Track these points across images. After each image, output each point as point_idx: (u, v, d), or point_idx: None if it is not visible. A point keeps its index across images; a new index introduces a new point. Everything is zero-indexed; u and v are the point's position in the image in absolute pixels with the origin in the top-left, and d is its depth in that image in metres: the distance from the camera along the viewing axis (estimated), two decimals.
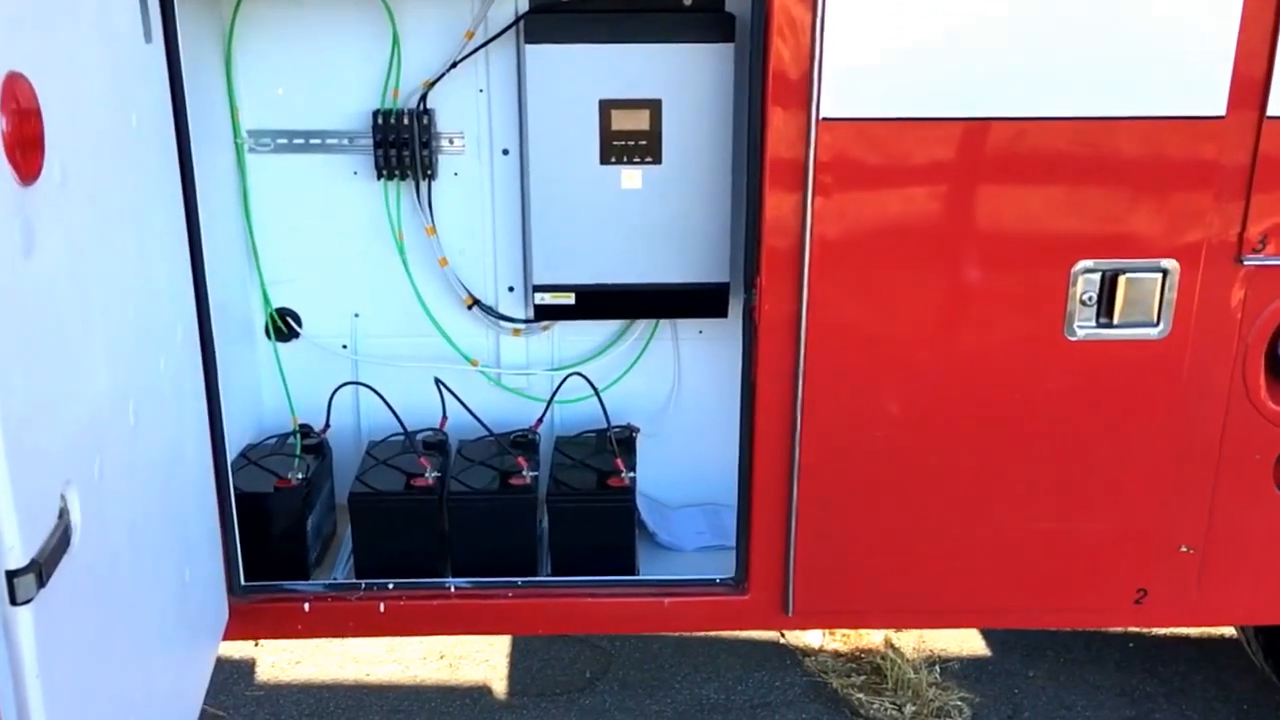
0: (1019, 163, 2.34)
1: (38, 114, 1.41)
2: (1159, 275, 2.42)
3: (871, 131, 2.32)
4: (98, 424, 1.65)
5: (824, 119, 2.30)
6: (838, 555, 2.63)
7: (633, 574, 2.82)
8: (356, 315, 3.03)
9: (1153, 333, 2.45)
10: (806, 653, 3.52)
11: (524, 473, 2.78)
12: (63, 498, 1.47)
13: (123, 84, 1.87)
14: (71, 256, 1.55)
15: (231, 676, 3.43)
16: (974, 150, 2.34)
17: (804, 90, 2.29)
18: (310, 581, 2.74)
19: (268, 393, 3.06)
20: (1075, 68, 2.29)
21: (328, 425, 2.98)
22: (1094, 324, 2.45)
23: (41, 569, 1.37)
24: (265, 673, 3.47)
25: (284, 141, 2.87)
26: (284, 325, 3.01)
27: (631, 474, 2.81)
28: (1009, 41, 2.27)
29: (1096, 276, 2.42)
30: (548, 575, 2.80)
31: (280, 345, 3.02)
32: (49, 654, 1.40)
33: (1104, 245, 2.40)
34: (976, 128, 2.32)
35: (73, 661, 1.51)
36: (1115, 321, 2.44)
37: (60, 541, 1.43)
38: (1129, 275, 2.41)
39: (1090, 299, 2.43)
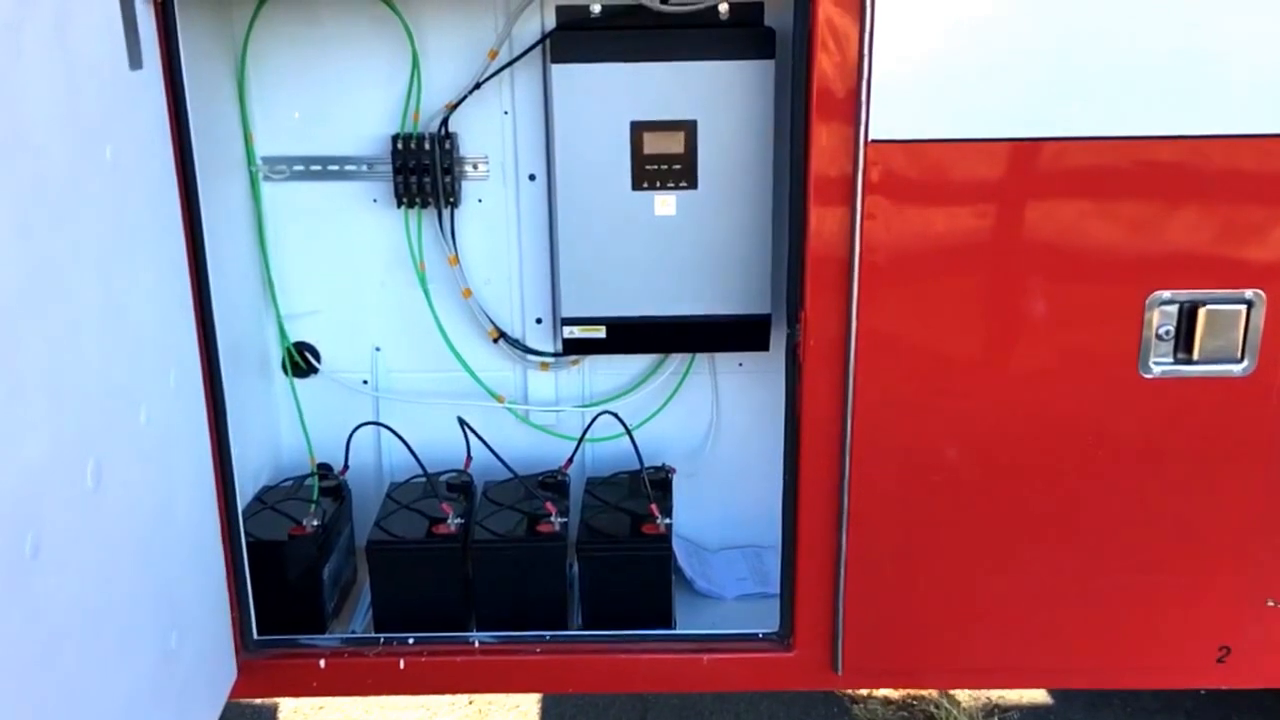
0: (1089, 186, 2.15)
1: None
2: (1243, 307, 2.21)
3: (925, 154, 2.14)
4: (34, 495, 1.49)
5: (873, 140, 2.12)
6: (891, 609, 2.45)
7: (669, 627, 2.64)
8: (377, 349, 2.89)
9: (1236, 369, 2.25)
10: (855, 699, 3.33)
11: (552, 519, 2.62)
12: None
13: (93, 116, 1.72)
14: None
15: None
16: (1039, 174, 2.15)
17: (851, 110, 2.11)
18: (326, 636, 2.59)
19: (286, 431, 2.93)
20: (1151, 83, 2.09)
21: (346, 466, 2.84)
22: (1171, 360, 2.25)
23: None
24: (287, 719, 3.33)
25: (300, 168, 2.74)
26: (302, 360, 2.88)
27: (668, 520, 2.64)
28: (1078, 53, 2.08)
29: (1174, 308, 2.22)
30: (579, 628, 2.64)
31: (298, 381, 2.89)
32: None
33: (1182, 274, 2.20)
34: (1041, 149, 2.13)
35: None
36: (1195, 357, 2.24)
37: None
38: (1209, 307, 2.21)
39: (1167, 333, 2.23)
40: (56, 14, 1.59)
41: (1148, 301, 2.21)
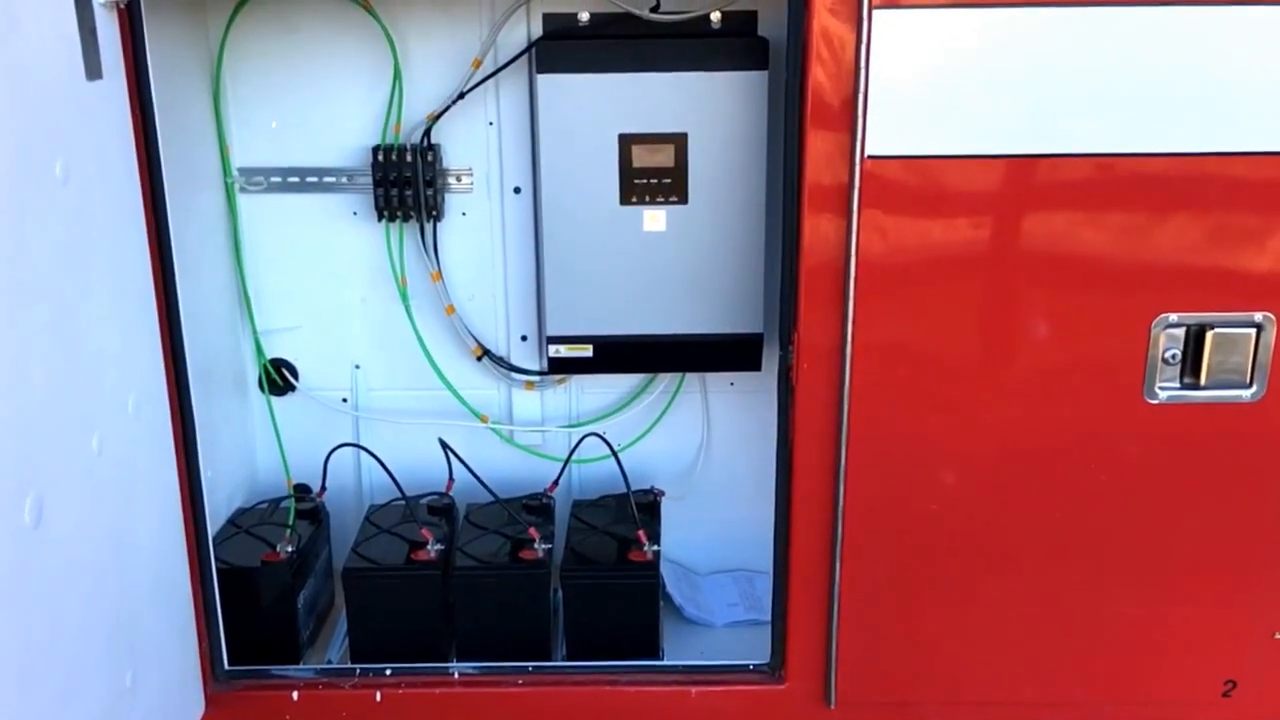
0: (1093, 205, 2.07)
1: None
2: (1252, 330, 2.13)
3: (924, 170, 2.06)
4: None
5: (870, 156, 2.04)
6: (887, 639, 2.37)
7: (657, 657, 2.56)
8: (357, 367, 2.81)
9: (1244, 395, 2.17)
10: None
11: (536, 544, 2.53)
12: None
13: (41, 129, 1.63)
14: None
15: None
16: (1044, 192, 2.07)
17: (847, 124, 2.03)
18: (299, 667, 2.50)
19: (262, 451, 2.84)
20: (1156, 97, 2.02)
21: (324, 488, 2.75)
22: (1178, 385, 2.17)
23: None
24: None
25: (278, 180, 2.66)
26: (279, 377, 2.79)
27: (655, 547, 2.55)
28: (1080, 67, 2.00)
29: (1180, 331, 2.14)
30: (562, 658, 2.55)
31: (275, 399, 2.80)
32: None
33: (1189, 296, 2.12)
34: (1045, 165, 2.05)
35: None
36: (1202, 382, 2.16)
37: None
38: (1217, 330, 2.13)
39: (1173, 357, 2.15)
40: (1, 23, 1.50)
41: (1154, 324, 2.13)
